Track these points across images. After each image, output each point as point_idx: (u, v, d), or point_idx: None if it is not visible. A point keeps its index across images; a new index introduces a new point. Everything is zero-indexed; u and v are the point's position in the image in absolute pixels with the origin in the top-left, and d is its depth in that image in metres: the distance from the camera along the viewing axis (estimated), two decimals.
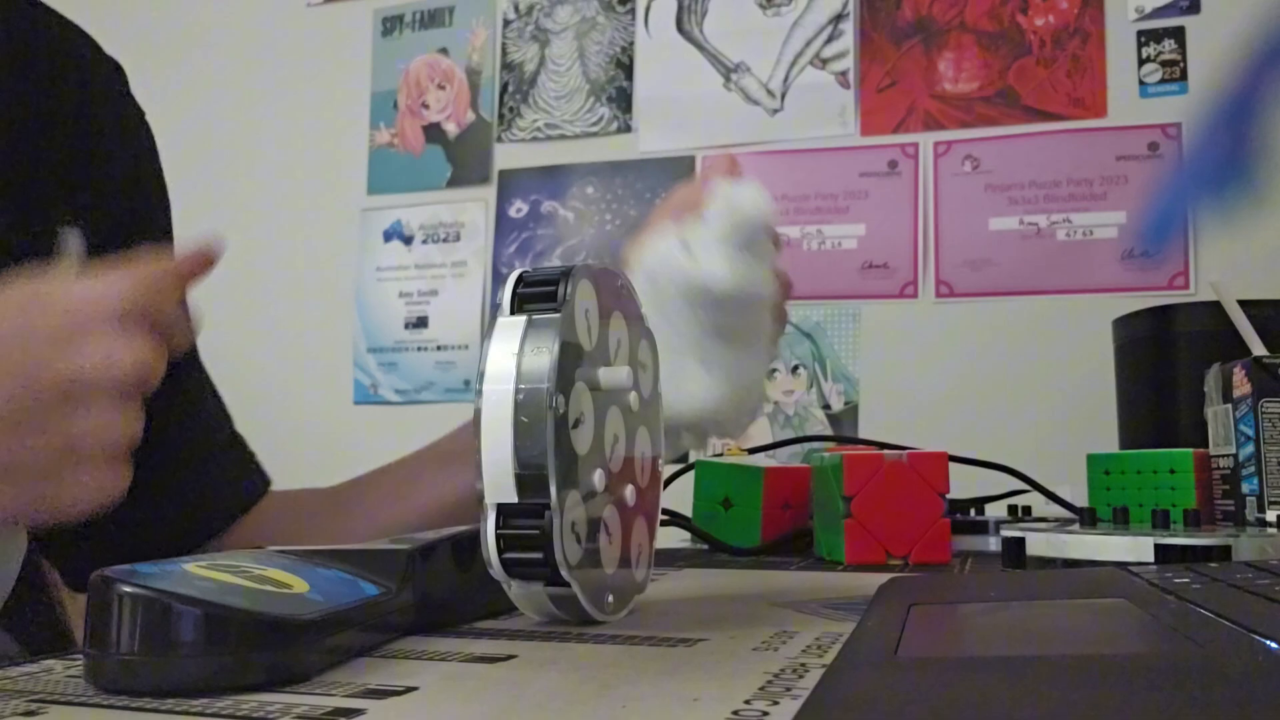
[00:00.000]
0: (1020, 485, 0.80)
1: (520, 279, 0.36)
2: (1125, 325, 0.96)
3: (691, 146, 1.53)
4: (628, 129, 1.57)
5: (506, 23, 1.66)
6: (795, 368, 1.44)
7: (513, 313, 0.35)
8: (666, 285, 0.47)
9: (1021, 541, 0.55)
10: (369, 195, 1.70)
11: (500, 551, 0.34)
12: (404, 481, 0.64)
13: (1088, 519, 0.58)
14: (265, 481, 0.66)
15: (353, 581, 0.34)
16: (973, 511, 0.80)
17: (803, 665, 0.29)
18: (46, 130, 0.56)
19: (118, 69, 0.64)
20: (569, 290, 0.35)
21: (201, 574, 0.29)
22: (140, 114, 0.64)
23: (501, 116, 1.65)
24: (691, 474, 0.86)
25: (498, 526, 0.34)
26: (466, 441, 0.36)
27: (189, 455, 0.62)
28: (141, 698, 0.26)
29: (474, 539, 0.40)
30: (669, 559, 0.71)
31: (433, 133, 1.68)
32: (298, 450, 1.64)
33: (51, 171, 0.56)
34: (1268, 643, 0.22)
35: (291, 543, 0.38)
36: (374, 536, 0.53)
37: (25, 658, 0.32)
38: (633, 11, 1.59)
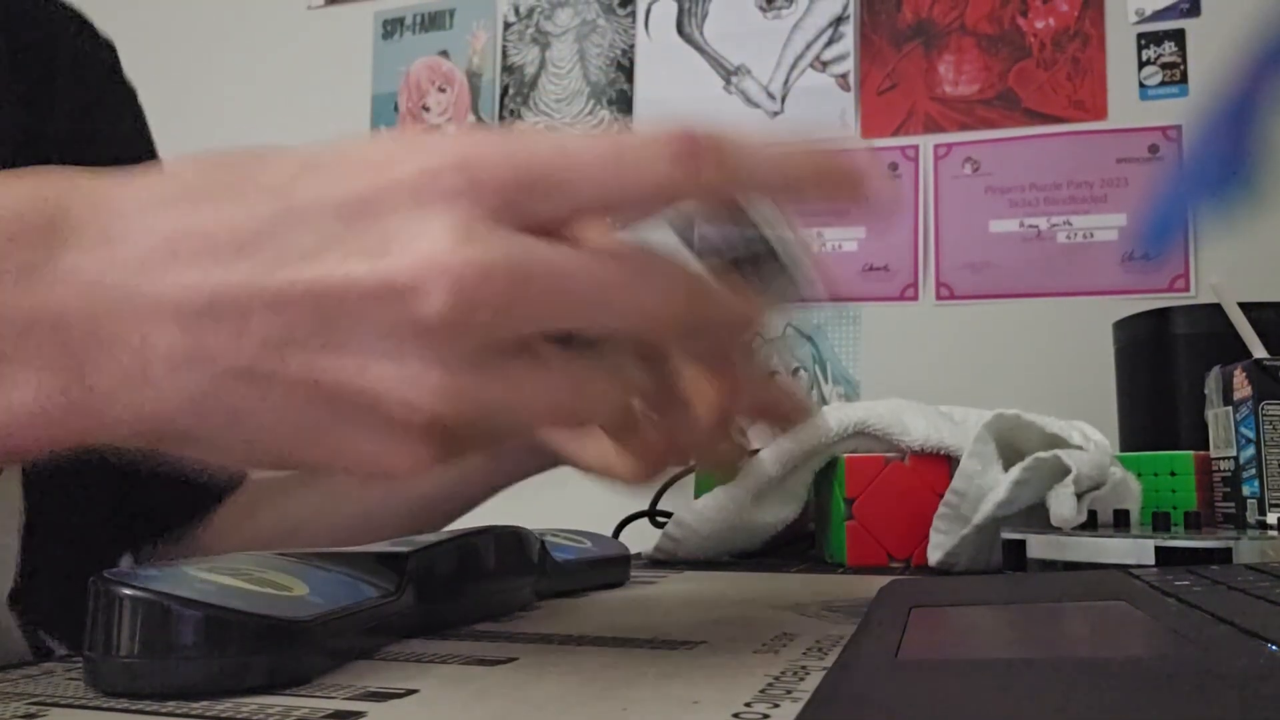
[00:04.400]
0: None
1: None
2: (1126, 327, 0.96)
3: None
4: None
5: (507, 25, 1.66)
6: (795, 370, 1.44)
7: None
8: None
9: (1022, 544, 0.54)
10: None
11: None
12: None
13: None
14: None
15: (353, 584, 0.34)
16: None
17: (803, 668, 0.29)
18: (38, 108, 0.56)
19: (110, 47, 0.63)
20: None
21: (202, 576, 0.29)
22: (132, 93, 0.64)
23: (502, 119, 1.64)
24: (691, 475, 0.86)
25: None
26: None
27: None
28: (142, 700, 0.26)
29: (475, 541, 0.40)
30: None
31: None
32: None
33: (41, 149, 0.55)
34: (1269, 645, 0.22)
35: (264, 530, 0.37)
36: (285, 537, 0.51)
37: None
38: (633, 14, 1.59)
